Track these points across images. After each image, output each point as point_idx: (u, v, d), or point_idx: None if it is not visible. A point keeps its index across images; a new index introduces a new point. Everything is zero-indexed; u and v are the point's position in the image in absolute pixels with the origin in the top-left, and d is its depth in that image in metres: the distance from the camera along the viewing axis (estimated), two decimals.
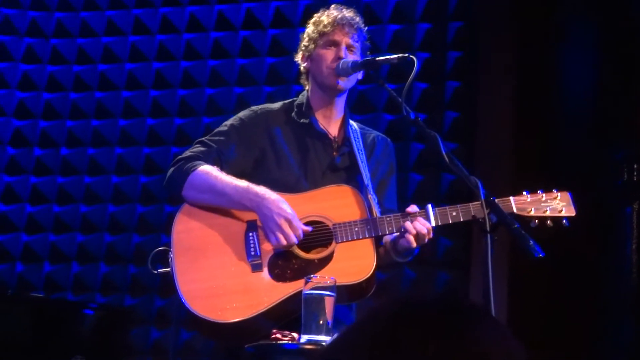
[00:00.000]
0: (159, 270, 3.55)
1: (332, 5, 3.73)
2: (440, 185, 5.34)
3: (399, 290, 5.22)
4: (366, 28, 3.70)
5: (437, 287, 5.19)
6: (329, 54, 3.58)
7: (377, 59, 3.48)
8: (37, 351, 4.89)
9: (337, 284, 2.99)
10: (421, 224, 3.33)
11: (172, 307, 5.52)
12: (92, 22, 6.14)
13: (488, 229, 2.97)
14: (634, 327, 4.52)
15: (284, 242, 3.32)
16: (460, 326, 1.24)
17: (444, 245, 5.25)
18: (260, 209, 3.37)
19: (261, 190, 3.41)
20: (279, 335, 3.00)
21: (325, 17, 3.65)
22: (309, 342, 2.89)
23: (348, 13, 3.65)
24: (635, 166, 4.50)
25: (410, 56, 3.36)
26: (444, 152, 3.12)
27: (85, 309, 5.41)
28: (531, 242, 2.90)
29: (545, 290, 4.97)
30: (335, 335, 1.31)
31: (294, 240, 3.33)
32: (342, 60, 3.54)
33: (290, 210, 3.35)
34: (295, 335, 2.98)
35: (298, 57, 3.73)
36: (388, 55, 3.48)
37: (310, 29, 3.69)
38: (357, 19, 3.66)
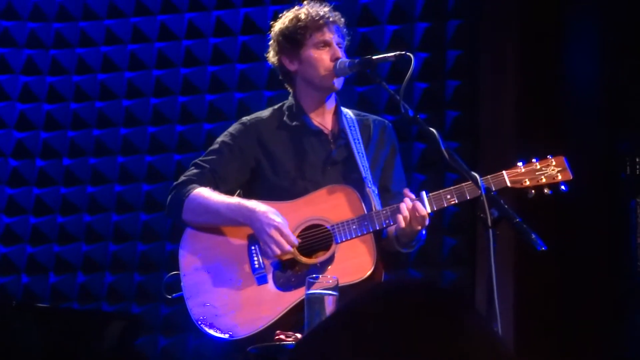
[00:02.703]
0: (175, 296, 3.57)
1: (305, 2, 3.67)
2: (444, 184, 5.31)
3: None
4: (343, 20, 3.66)
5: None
6: (324, 55, 3.55)
7: (373, 57, 3.48)
8: None
9: (340, 284, 2.98)
10: (411, 200, 3.29)
11: (180, 315, 5.52)
12: (91, 32, 6.13)
13: (490, 224, 2.95)
14: None
15: (278, 251, 3.32)
16: (444, 313, 1.21)
17: (449, 244, 5.23)
18: (252, 222, 3.37)
19: (252, 204, 3.41)
20: (282, 336, 3.00)
21: (304, 15, 3.58)
22: None
23: (326, 9, 3.61)
24: (637, 159, 4.48)
25: (407, 53, 3.36)
26: (443, 148, 3.10)
27: (92, 317, 5.40)
28: (533, 236, 2.89)
29: (552, 285, 4.94)
30: (315, 326, 1.27)
31: (287, 248, 3.32)
32: (340, 61, 3.53)
33: (280, 220, 3.34)
34: (298, 335, 2.97)
35: (274, 59, 3.67)
36: (385, 53, 3.47)
37: (286, 28, 3.62)
38: (337, 13, 3.63)
